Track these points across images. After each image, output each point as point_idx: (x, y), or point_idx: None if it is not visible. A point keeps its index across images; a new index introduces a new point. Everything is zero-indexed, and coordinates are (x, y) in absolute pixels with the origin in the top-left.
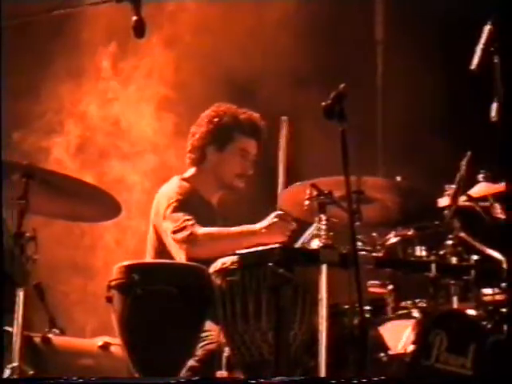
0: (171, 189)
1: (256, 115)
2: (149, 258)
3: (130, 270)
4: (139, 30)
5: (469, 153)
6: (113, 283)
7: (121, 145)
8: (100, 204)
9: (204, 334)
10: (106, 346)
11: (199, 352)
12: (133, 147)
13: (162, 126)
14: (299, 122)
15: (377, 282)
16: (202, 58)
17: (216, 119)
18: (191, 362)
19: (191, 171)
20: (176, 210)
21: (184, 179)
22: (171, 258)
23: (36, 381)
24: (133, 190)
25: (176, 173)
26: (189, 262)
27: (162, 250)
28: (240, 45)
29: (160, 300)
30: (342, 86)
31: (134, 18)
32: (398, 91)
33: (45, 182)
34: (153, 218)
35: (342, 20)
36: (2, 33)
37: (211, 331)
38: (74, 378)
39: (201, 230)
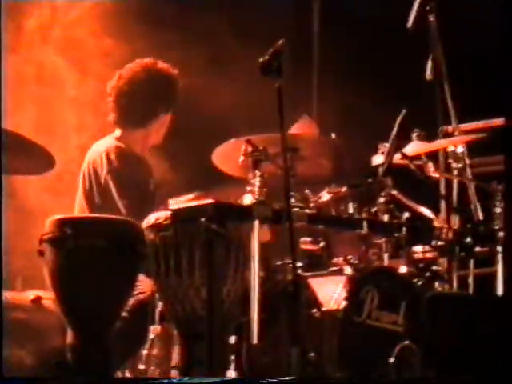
0: (109, 150)
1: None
2: (79, 213)
3: (62, 223)
4: None
5: (403, 111)
6: (45, 237)
7: None
8: (33, 157)
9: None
10: (38, 300)
11: (130, 302)
12: None
13: None
14: (234, 79)
15: (309, 238)
16: None
17: (160, 79)
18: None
19: (118, 131)
20: (118, 175)
21: (117, 139)
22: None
23: (36, 381)
24: None
25: None
26: (121, 217)
27: (94, 204)
28: None
29: (92, 254)
30: (280, 42)
31: None
32: (335, 48)
33: None
34: (87, 176)
35: None
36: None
37: (141, 281)
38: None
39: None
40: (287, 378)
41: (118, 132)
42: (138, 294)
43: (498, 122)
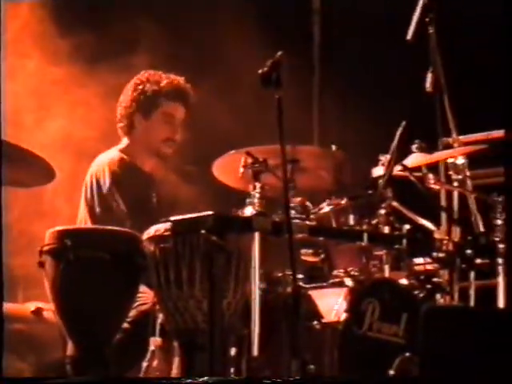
0: (111, 162)
1: (180, 79)
2: (81, 224)
3: (62, 235)
4: None
5: (403, 122)
6: (45, 248)
7: None
8: (33, 169)
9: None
10: (38, 311)
11: (132, 313)
12: None
13: None
14: (234, 91)
15: (309, 250)
16: None
17: (140, 87)
18: (124, 324)
19: (124, 141)
20: (120, 187)
21: (121, 150)
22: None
23: (35, 381)
24: None
25: None
26: (121, 229)
27: (95, 216)
28: None
29: (92, 265)
30: (279, 53)
31: None
32: (335, 59)
33: None
34: (89, 187)
35: None
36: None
37: (144, 293)
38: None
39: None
40: (291, 379)
41: (123, 143)
42: (139, 305)
43: (498, 134)
